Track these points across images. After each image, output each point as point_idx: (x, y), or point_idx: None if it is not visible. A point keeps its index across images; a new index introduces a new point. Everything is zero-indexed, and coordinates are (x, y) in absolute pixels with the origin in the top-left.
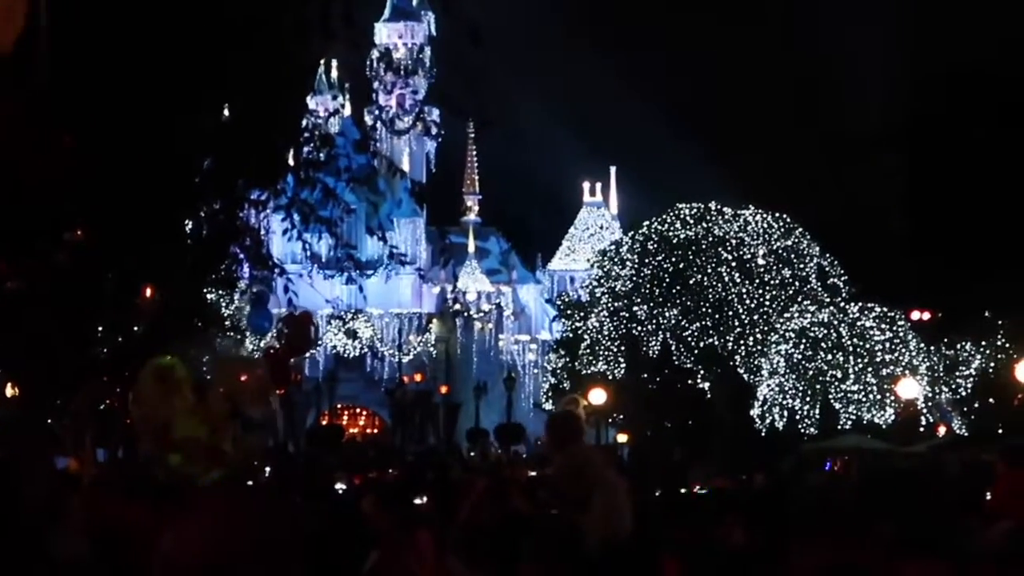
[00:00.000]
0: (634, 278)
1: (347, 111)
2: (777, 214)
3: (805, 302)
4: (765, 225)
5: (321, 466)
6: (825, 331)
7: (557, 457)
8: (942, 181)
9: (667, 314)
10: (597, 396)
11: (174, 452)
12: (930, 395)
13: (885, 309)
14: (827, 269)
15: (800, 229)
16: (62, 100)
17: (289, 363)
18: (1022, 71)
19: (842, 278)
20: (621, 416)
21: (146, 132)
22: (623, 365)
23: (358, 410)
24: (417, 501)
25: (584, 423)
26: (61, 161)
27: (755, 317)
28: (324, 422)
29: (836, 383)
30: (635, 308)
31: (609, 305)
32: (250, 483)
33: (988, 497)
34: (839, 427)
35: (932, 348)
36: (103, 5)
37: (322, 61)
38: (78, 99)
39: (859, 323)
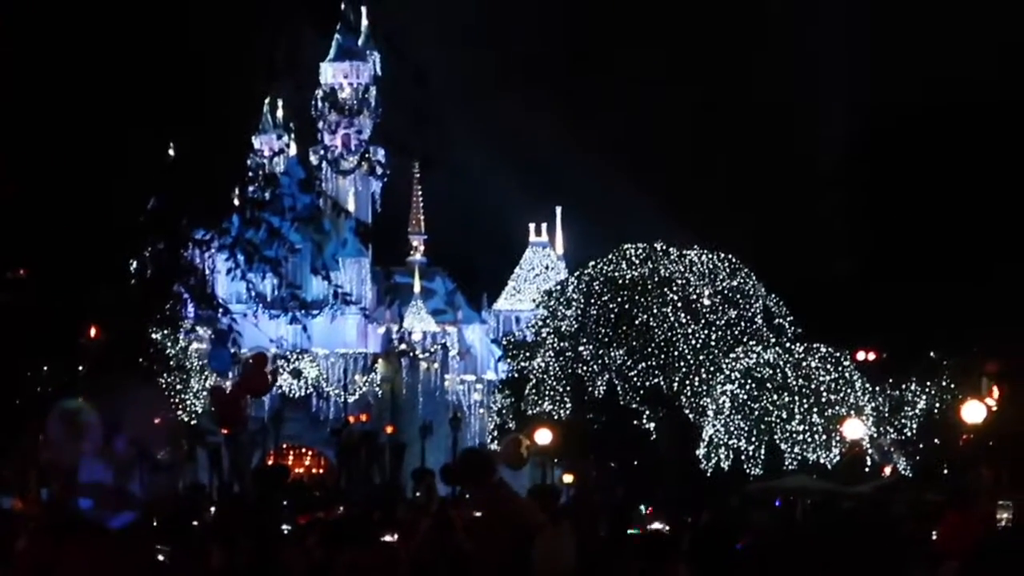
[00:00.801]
0: (580, 318)
1: (292, 150)
2: (723, 254)
3: (751, 342)
4: (711, 265)
5: (268, 506)
6: (771, 371)
7: (475, 495)
8: (885, 220)
9: (612, 354)
10: (543, 436)
11: (82, 496)
12: (875, 435)
13: (830, 349)
14: (772, 309)
15: (746, 270)
16: (2, 137)
17: (241, 403)
18: (966, 110)
19: (787, 318)
20: (566, 456)
21: (90, 170)
22: (569, 405)
23: (304, 450)
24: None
25: (495, 461)
26: (2, 199)
27: (701, 357)
28: (270, 462)
29: (781, 423)
30: (581, 348)
31: (555, 345)
32: (157, 524)
33: (934, 537)
34: (784, 467)
35: (877, 388)
36: (45, 42)
37: (267, 100)
38: (20, 136)
39: (804, 363)
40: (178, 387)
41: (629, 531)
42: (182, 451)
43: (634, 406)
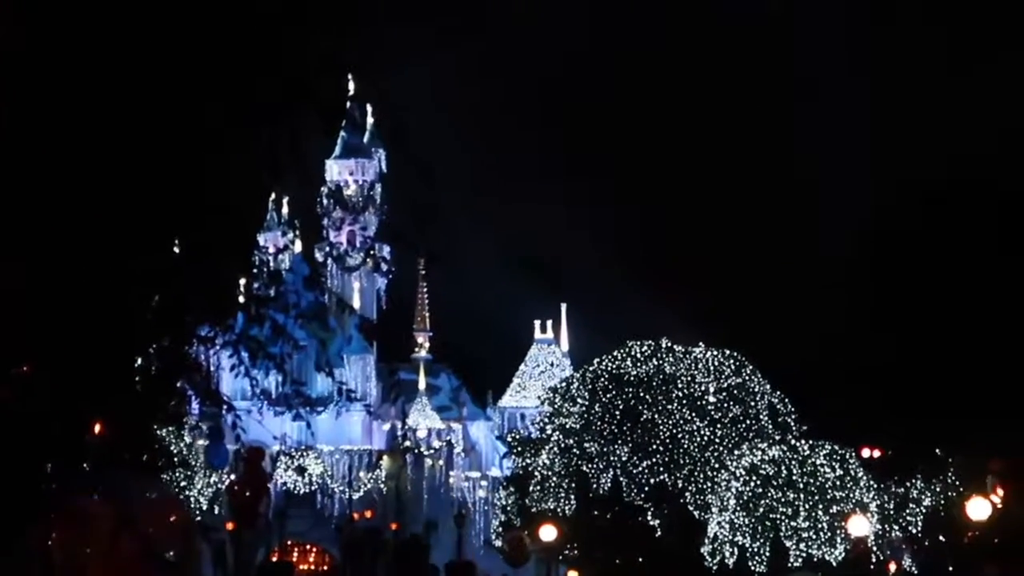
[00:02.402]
0: (584, 415)
1: (297, 247)
2: (728, 352)
3: (756, 439)
4: (716, 363)
5: None
6: (775, 468)
7: None
8: (888, 321)
9: (617, 451)
10: (547, 532)
11: None
12: (881, 532)
13: (835, 446)
14: (777, 406)
15: (750, 367)
16: (7, 233)
17: (258, 504)
18: (960, 213)
19: (792, 415)
20: (573, 552)
21: (94, 268)
22: (574, 501)
23: (308, 546)
24: None
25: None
26: (6, 294)
27: (706, 454)
28: (274, 559)
29: (786, 520)
30: (585, 445)
31: (559, 442)
32: None
33: None
34: (789, 564)
35: (882, 485)
36: (49, 135)
37: (272, 197)
38: (24, 232)
39: (809, 460)
40: (182, 483)
41: None
42: (194, 549)
43: (639, 503)
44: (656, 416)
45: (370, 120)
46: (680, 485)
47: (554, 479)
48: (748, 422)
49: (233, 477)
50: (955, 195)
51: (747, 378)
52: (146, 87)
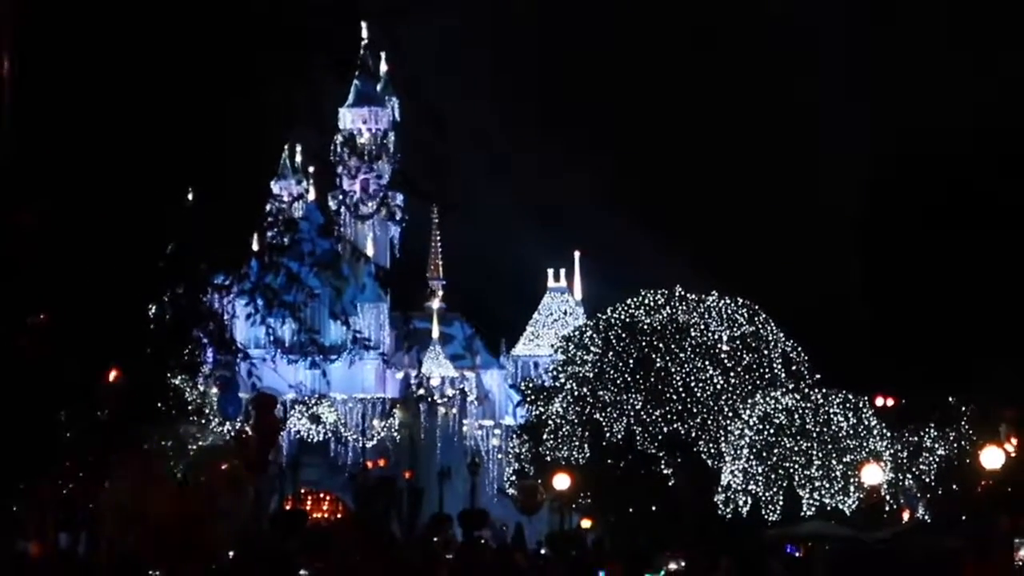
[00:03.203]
0: (598, 364)
1: (311, 196)
2: (741, 300)
3: (769, 388)
4: (729, 311)
5: (282, 552)
6: (789, 417)
7: None
8: (904, 268)
9: (631, 400)
10: (561, 481)
11: (147, 542)
12: (894, 481)
13: (849, 395)
14: (791, 355)
15: (764, 315)
16: (25, 182)
17: (267, 452)
18: (977, 164)
19: (806, 364)
20: (586, 501)
21: (109, 216)
22: (587, 450)
23: (322, 495)
24: None
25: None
26: (23, 243)
27: (719, 403)
28: (288, 507)
29: (800, 469)
30: (599, 393)
31: (573, 391)
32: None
33: None
34: (802, 513)
35: (896, 434)
36: (68, 91)
37: (286, 146)
38: (42, 182)
39: (823, 409)
40: (196, 433)
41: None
42: (246, 497)
43: (652, 451)
44: (669, 365)
45: (384, 68)
46: (693, 434)
47: (567, 428)
48: (761, 370)
49: (245, 425)
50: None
51: (760, 326)
52: (163, 37)
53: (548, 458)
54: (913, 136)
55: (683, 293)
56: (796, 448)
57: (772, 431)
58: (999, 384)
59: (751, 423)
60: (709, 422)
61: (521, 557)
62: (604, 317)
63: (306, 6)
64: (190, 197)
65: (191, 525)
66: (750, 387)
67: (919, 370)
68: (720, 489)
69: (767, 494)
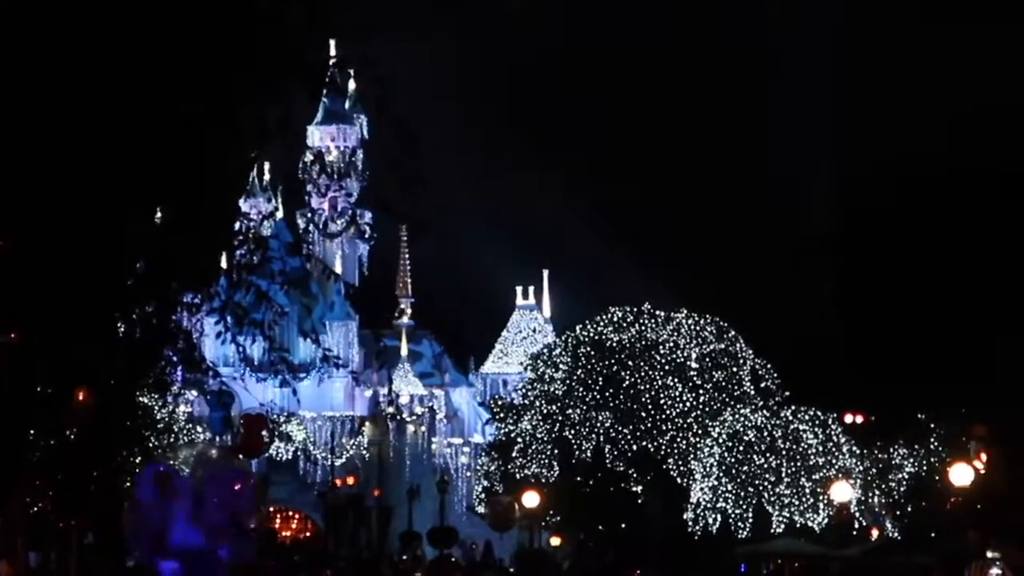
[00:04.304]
0: (567, 381)
1: (280, 214)
2: (709, 317)
3: (738, 405)
4: (698, 329)
5: (256, 569)
6: (758, 434)
7: None
8: (873, 285)
9: (600, 417)
10: (530, 499)
11: (171, 559)
12: (863, 498)
13: (818, 412)
14: (760, 372)
15: (732, 333)
16: None
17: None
18: (948, 173)
19: (775, 381)
20: (555, 519)
21: (79, 235)
22: (556, 468)
23: (291, 513)
24: None
25: None
26: None
27: (688, 420)
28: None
29: (769, 486)
30: (568, 411)
31: (542, 408)
32: None
33: None
34: (772, 530)
35: (865, 451)
36: (36, 109)
37: (255, 164)
38: (10, 203)
39: (792, 426)
40: (167, 452)
41: None
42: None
43: (621, 469)
44: (638, 382)
45: (352, 86)
46: (663, 451)
47: (536, 445)
48: (730, 388)
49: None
50: (929, 166)
51: (729, 344)
52: (133, 56)
53: (517, 476)
54: (887, 149)
55: (652, 310)
56: (765, 465)
57: (741, 448)
58: (968, 401)
59: (720, 440)
60: (678, 439)
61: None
62: (573, 334)
63: (279, 27)
64: (159, 216)
65: (212, 544)
66: (719, 404)
67: (888, 387)
68: (690, 506)
69: (736, 511)
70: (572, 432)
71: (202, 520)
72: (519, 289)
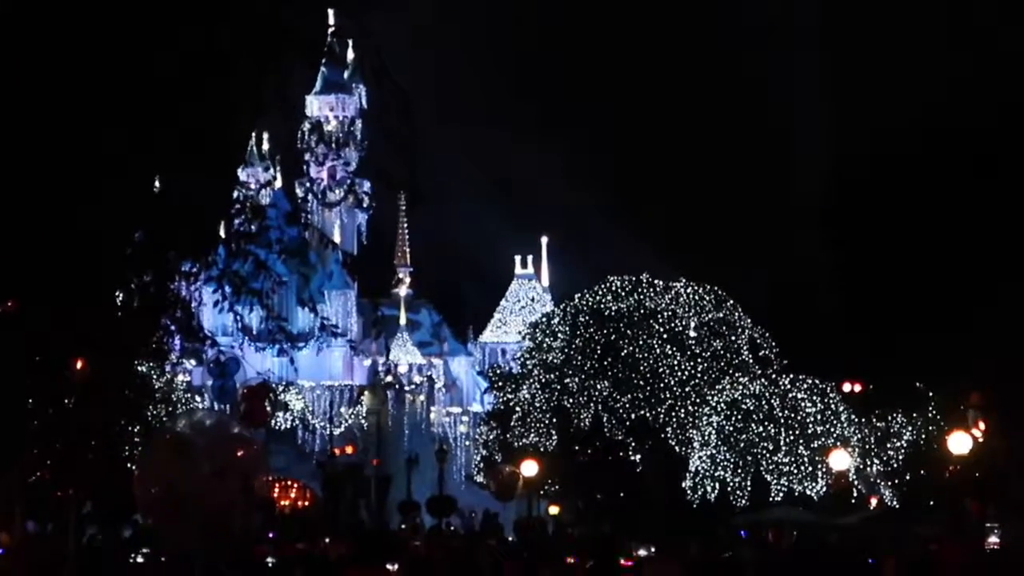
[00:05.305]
0: (565, 350)
1: (278, 183)
2: (708, 286)
3: (736, 374)
4: (696, 298)
5: (252, 538)
6: (756, 403)
7: None
8: (871, 254)
9: (598, 386)
10: (529, 468)
11: (187, 524)
12: (861, 467)
13: (816, 381)
14: (758, 341)
15: (731, 302)
16: None
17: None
18: (946, 146)
19: (773, 350)
20: (554, 488)
21: (75, 203)
22: (554, 437)
23: (289, 483)
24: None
25: None
26: None
27: (686, 389)
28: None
29: (767, 455)
30: (566, 380)
31: (540, 377)
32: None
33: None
34: (770, 499)
35: (863, 420)
36: (34, 74)
37: (253, 133)
38: (4, 170)
39: (790, 395)
40: (164, 420)
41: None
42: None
43: (620, 438)
44: (637, 351)
45: (351, 55)
46: (661, 420)
47: (535, 414)
48: (729, 357)
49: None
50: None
51: (728, 313)
52: (130, 22)
53: (516, 445)
54: (884, 119)
55: (650, 280)
56: (764, 434)
57: (740, 417)
58: (967, 369)
59: (719, 409)
60: (677, 408)
61: (494, 543)
62: (572, 304)
63: None
64: (157, 184)
65: (227, 512)
66: (718, 373)
67: (887, 356)
68: (688, 475)
69: (735, 480)
70: (571, 401)
71: (219, 487)
72: (518, 258)
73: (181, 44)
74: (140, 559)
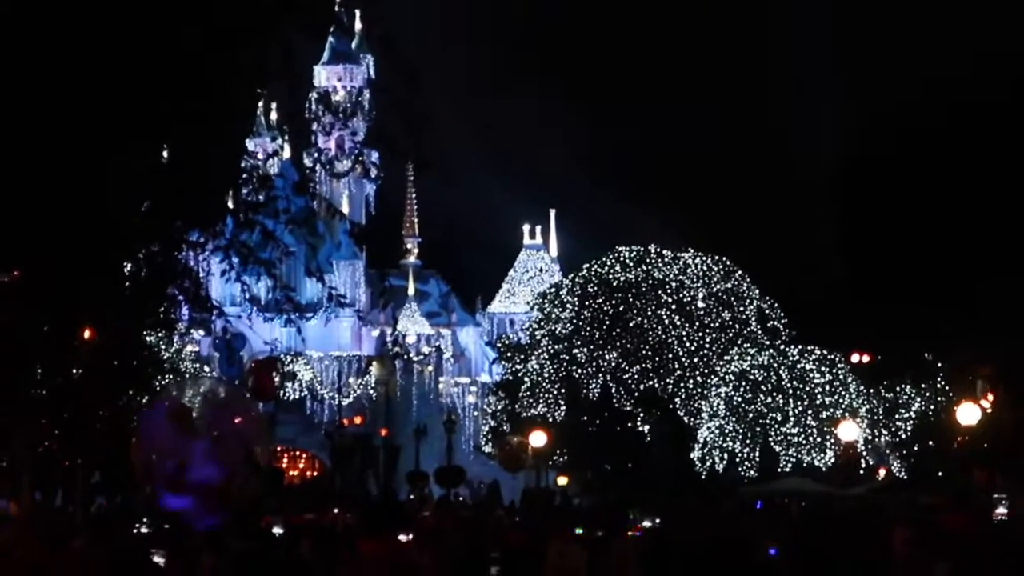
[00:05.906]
0: (574, 321)
1: (286, 153)
2: (717, 257)
3: (745, 345)
4: (705, 268)
5: (262, 509)
6: (765, 374)
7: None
8: (880, 225)
9: (607, 357)
10: (537, 438)
11: (185, 495)
12: (870, 438)
13: (825, 352)
14: (767, 312)
15: (740, 272)
16: None
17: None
18: (955, 118)
19: (782, 321)
20: (562, 458)
21: (82, 173)
22: (563, 408)
23: (297, 453)
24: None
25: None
26: None
27: (695, 360)
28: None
29: (776, 426)
30: (575, 351)
31: (549, 348)
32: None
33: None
34: (779, 470)
35: (872, 391)
36: (40, 45)
37: (261, 103)
38: (12, 140)
39: (799, 366)
40: (174, 392)
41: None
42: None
43: (628, 408)
44: (645, 322)
45: (358, 25)
46: (670, 391)
47: (544, 385)
48: (737, 327)
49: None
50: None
51: (736, 283)
52: None
53: (524, 415)
54: (894, 93)
55: (659, 250)
56: (772, 405)
57: (748, 388)
58: (974, 340)
59: (727, 379)
60: (685, 379)
61: (502, 513)
62: (580, 274)
63: None
64: (165, 154)
65: (228, 479)
66: (726, 344)
67: (895, 326)
68: (697, 446)
69: (743, 451)
70: (579, 371)
71: (218, 455)
72: (526, 228)
73: (186, 14)
74: (144, 529)
